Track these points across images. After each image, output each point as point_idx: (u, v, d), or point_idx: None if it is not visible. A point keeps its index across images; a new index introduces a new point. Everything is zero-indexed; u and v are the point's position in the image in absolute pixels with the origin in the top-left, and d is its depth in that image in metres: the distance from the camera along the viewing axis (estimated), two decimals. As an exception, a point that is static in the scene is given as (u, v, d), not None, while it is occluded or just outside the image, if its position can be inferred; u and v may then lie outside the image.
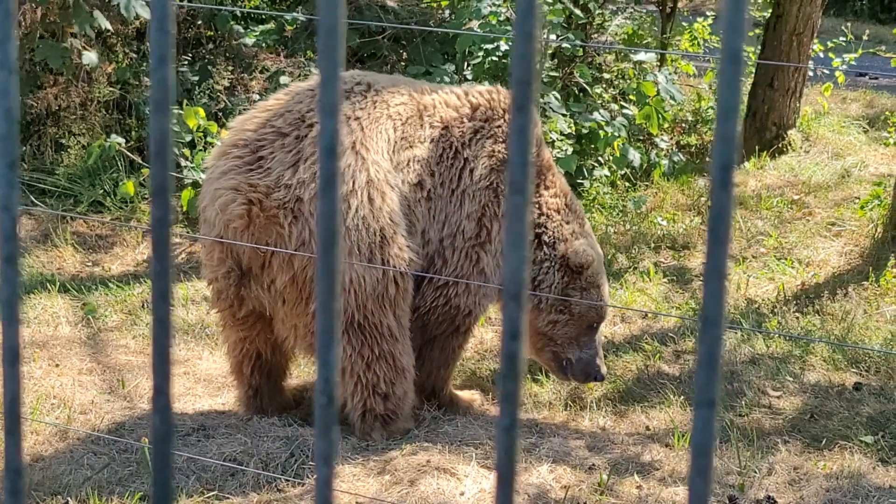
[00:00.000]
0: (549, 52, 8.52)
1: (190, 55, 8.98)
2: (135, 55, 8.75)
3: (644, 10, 11.17)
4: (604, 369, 5.57)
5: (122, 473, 4.66)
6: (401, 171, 5.01)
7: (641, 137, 9.32)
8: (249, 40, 9.10)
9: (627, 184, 8.95)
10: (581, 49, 9.08)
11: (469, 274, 5.21)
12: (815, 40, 10.35)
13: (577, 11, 8.85)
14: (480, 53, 8.17)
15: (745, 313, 6.77)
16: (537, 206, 5.41)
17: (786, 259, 7.69)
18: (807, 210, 8.67)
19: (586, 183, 8.48)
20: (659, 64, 9.83)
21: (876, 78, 13.47)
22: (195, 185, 7.55)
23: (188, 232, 7.68)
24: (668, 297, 7.09)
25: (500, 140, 5.32)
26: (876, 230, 7.87)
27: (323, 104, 0.71)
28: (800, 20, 9.78)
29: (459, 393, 5.68)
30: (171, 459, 0.76)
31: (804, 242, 8.00)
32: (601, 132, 8.45)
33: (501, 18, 8.21)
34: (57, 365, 5.76)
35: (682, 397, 5.67)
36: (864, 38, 12.55)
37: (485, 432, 5.18)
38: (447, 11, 9.68)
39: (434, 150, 5.14)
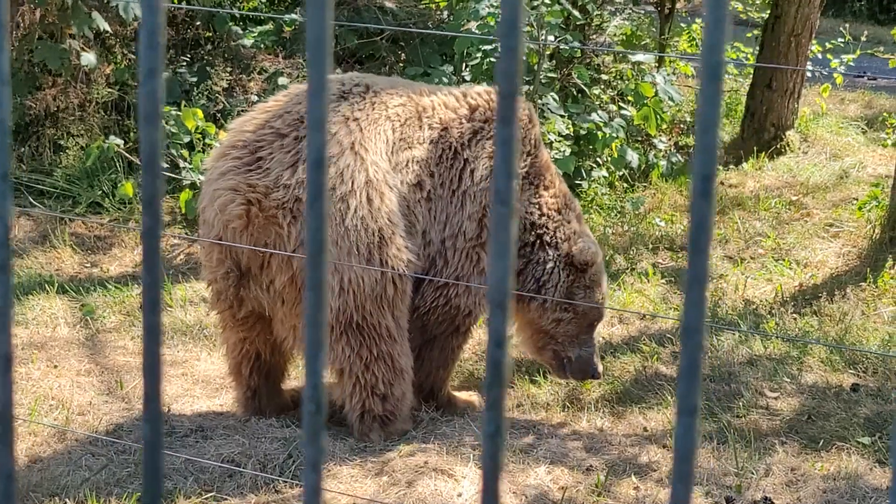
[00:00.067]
0: (548, 53, 8.53)
1: (188, 56, 8.98)
2: (133, 56, 8.76)
3: (642, 12, 11.17)
4: (600, 367, 5.62)
5: (121, 475, 4.67)
6: (400, 172, 5.02)
7: (640, 138, 9.33)
8: (248, 41, 9.11)
9: (625, 185, 8.96)
10: (579, 50, 9.09)
11: (469, 274, 5.23)
12: (814, 41, 10.36)
13: (576, 13, 8.85)
14: (479, 55, 8.18)
15: (742, 314, 6.78)
16: (537, 206, 5.43)
17: (784, 260, 7.70)
18: (805, 211, 8.68)
19: (584, 184, 8.49)
20: (657, 65, 9.84)
21: (874, 79, 13.48)
22: (193, 186, 7.56)
23: (186, 233, 7.69)
24: (666, 299, 7.10)
25: None
26: (874, 231, 7.88)
27: (310, 117, 0.72)
28: (798, 21, 9.79)
29: (457, 394, 5.69)
30: (161, 466, 0.76)
31: (802, 243, 8.01)
32: (599, 133, 8.46)
33: (500, 20, 8.20)
34: (55, 366, 5.76)
35: (680, 398, 5.68)
36: (863, 38, 12.55)
37: (482, 433, 5.18)
38: (446, 13, 9.69)
39: (433, 151, 5.15)
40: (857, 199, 8.61)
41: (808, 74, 10.62)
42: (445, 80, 8.24)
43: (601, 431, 5.40)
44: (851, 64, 11.56)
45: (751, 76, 10.48)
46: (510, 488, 4.71)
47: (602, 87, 9.36)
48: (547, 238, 5.42)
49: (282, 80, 8.66)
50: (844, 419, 5.51)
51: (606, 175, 8.66)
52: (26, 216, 7.72)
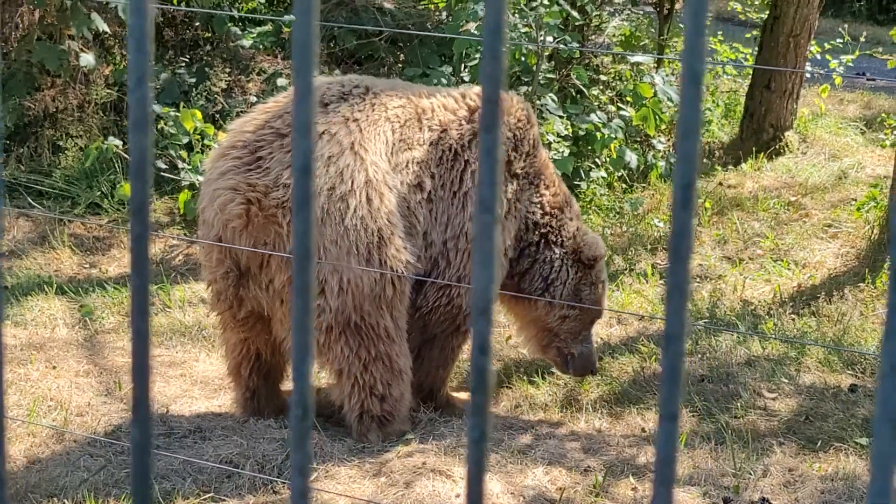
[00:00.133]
0: (546, 53, 8.54)
1: (187, 57, 8.99)
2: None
3: (641, 12, 11.18)
4: (596, 363, 5.73)
5: (119, 476, 4.68)
6: (399, 173, 5.03)
7: (638, 139, 9.33)
8: (246, 42, 9.12)
9: (624, 185, 8.96)
10: (578, 51, 9.09)
11: (471, 275, 5.25)
12: (813, 42, 10.36)
13: (575, 13, 8.86)
14: (477, 55, 8.19)
15: (741, 315, 6.79)
16: (539, 206, 5.47)
17: (782, 260, 7.70)
18: (803, 211, 8.68)
19: (583, 185, 8.50)
20: (656, 65, 9.84)
21: (873, 79, 13.49)
22: (192, 187, 7.56)
23: (185, 234, 7.69)
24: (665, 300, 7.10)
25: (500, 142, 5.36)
26: (872, 232, 7.88)
27: (296, 122, 0.73)
28: (797, 22, 9.79)
29: (456, 395, 5.70)
30: (150, 470, 0.77)
31: (801, 244, 8.01)
32: (598, 134, 8.46)
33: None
34: (54, 367, 5.77)
35: (678, 399, 5.69)
36: (862, 39, 12.56)
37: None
38: (444, 13, 9.69)
39: (433, 152, 5.16)
40: (855, 200, 8.61)
41: (808, 75, 10.62)
42: (444, 80, 8.25)
43: (599, 432, 5.40)
44: (850, 64, 11.57)
45: (750, 77, 10.48)
46: (508, 489, 4.71)
47: (601, 87, 9.37)
48: (552, 237, 5.47)
49: (280, 81, 8.67)
50: (842, 420, 5.51)
51: (605, 176, 8.66)
52: (25, 217, 7.73)
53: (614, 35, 10.09)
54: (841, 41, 11.73)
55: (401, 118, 5.11)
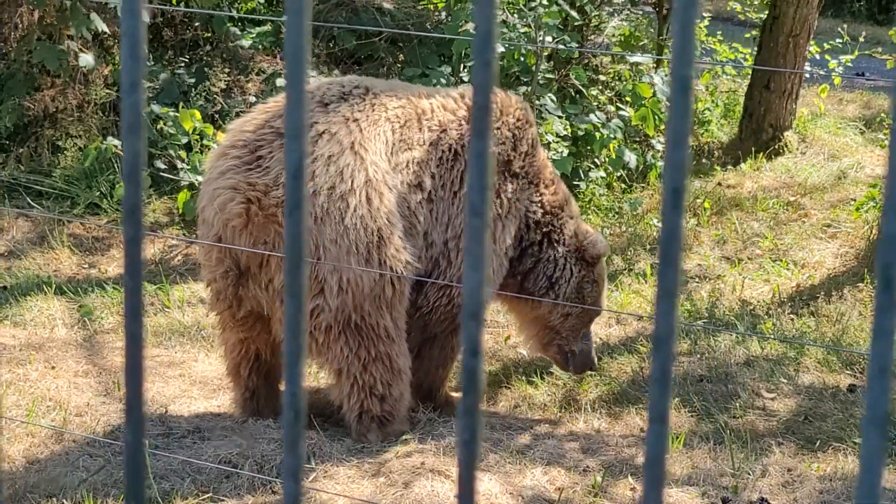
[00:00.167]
0: (546, 54, 8.54)
1: (187, 57, 8.99)
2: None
3: (640, 12, 11.18)
4: (595, 360, 5.79)
5: (118, 476, 4.68)
6: (399, 173, 5.04)
7: (637, 139, 9.34)
8: (246, 42, 9.12)
9: (623, 185, 8.96)
10: (577, 51, 9.10)
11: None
12: (812, 42, 10.36)
13: (574, 13, 8.86)
14: (476, 55, 8.18)
15: (740, 315, 6.79)
16: (539, 205, 5.50)
17: (781, 261, 7.71)
18: (802, 212, 8.69)
19: (582, 185, 8.50)
20: (655, 66, 9.85)
21: (873, 79, 13.49)
22: (191, 187, 7.57)
23: (184, 234, 7.70)
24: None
25: (501, 142, 5.38)
26: (871, 232, 7.88)
27: (288, 126, 0.73)
28: (796, 22, 9.79)
29: (455, 394, 5.70)
30: (143, 472, 0.77)
31: (800, 244, 8.01)
32: (597, 134, 8.47)
33: (497, 21, 8.20)
34: (53, 367, 5.77)
35: (677, 399, 5.69)
36: (861, 39, 12.56)
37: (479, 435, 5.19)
38: (444, 14, 9.70)
39: (433, 152, 5.17)
40: (854, 200, 8.61)
41: (807, 75, 10.62)
42: (443, 80, 8.25)
43: (598, 432, 5.41)
44: (850, 64, 11.57)
45: (749, 77, 10.48)
46: (506, 489, 4.72)
47: (600, 87, 9.37)
48: (555, 235, 5.52)
49: (280, 82, 8.67)
50: (841, 420, 5.52)
51: (604, 176, 8.67)
52: (24, 217, 7.73)
53: (613, 35, 10.10)
54: (840, 41, 11.73)
55: (401, 118, 5.12)
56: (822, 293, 7.11)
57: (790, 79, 9.96)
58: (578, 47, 9.03)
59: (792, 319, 6.77)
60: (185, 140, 7.80)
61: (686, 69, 0.74)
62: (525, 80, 8.40)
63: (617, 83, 9.60)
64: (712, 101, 10.70)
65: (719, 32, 12.04)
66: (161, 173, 7.96)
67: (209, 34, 9.25)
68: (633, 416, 5.60)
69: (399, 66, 9.15)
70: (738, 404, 5.65)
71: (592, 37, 9.90)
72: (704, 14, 12.62)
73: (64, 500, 4.45)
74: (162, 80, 8.64)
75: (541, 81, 8.33)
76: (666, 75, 9.41)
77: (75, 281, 7.03)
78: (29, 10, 8.27)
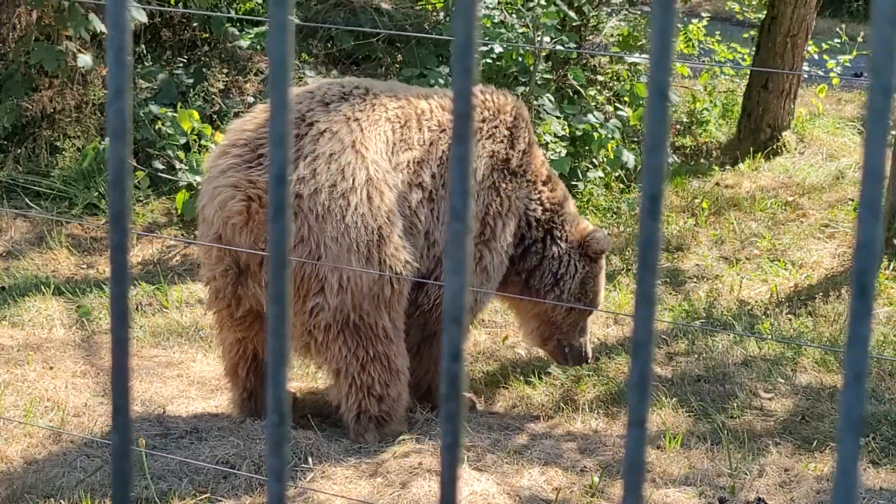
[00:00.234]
0: (544, 54, 8.55)
1: (185, 58, 9.00)
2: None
3: (638, 12, 11.18)
4: (590, 353, 5.88)
5: (115, 476, 4.68)
6: (400, 173, 5.05)
7: (636, 139, 9.34)
8: (244, 43, 9.12)
9: (622, 185, 8.97)
10: (575, 51, 9.10)
11: (473, 272, 5.28)
12: (810, 42, 10.37)
13: (572, 14, 8.87)
14: (476, 55, 8.19)
15: (737, 315, 6.80)
16: (539, 202, 5.53)
17: (779, 261, 7.71)
18: (801, 212, 8.69)
19: (580, 185, 8.51)
20: (653, 66, 9.84)
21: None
22: (189, 187, 7.57)
23: (182, 235, 7.70)
24: (661, 299, 7.12)
25: (499, 140, 5.41)
26: (869, 232, 7.88)
27: (272, 133, 0.73)
28: (794, 22, 9.80)
29: (452, 395, 5.71)
30: (130, 476, 0.77)
31: (798, 244, 8.02)
32: (595, 134, 8.47)
33: (495, 21, 8.23)
34: (51, 367, 5.77)
35: (674, 399, 5.70)
36: (859, 39, 12.56)
37: (477, 434, 5.20)
38: (442, 14, 9.70)
39: (433, 152, 5.19)
40: (852, 200, 8.62)
41: (805, 75, 10.63)
42: (441, 81, 8.26)
43: (595, 432, 5.41)
44: (848, 64, 11.57)
45: (747, 77, 10.49)
46: (504, 489, 4.72)
47: (598, 88, 9.38)
48: (557, 232, 5.57)
49: (278, 82, 8.66)
50: (838, 420, 5.52)
51: (602, 176, 8.67)
52: (22, 218, 7.74)
53: (611, 35, 10.10)
54: (838, 41, 11.74)
55: (401, 119, 5.14)
56: (820, 293, 7.12)
57: (788, 79, 9.96)
58: (576, 48, 9.04)
59: (790, 319, 6.78)
60: (183, 140, 7.80)
61: (663, 75, 0.74)
62: (523, 80, 8.40)
63: (615, 83, 9.61)
64: (710, 101, 10.71)
65: (717, 32, 12.04)
66: (159, 173, 7.97)
67: (207, 34, 9.25)
68: (630, 416, 5.60)
69: (397, 66, 9.16)
70: (735, 404, 5.66)
71: (590, 37, 9.90)
72: (703, 14, 12.63)
73: (61, 501, 4.46)
74: (160, 81, 8.65)
75: (539, 82, 8.34)
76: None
77: (73, 281, 7.04)
78: (27, 10, 8.27)
